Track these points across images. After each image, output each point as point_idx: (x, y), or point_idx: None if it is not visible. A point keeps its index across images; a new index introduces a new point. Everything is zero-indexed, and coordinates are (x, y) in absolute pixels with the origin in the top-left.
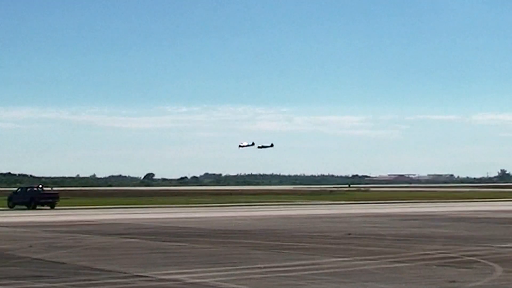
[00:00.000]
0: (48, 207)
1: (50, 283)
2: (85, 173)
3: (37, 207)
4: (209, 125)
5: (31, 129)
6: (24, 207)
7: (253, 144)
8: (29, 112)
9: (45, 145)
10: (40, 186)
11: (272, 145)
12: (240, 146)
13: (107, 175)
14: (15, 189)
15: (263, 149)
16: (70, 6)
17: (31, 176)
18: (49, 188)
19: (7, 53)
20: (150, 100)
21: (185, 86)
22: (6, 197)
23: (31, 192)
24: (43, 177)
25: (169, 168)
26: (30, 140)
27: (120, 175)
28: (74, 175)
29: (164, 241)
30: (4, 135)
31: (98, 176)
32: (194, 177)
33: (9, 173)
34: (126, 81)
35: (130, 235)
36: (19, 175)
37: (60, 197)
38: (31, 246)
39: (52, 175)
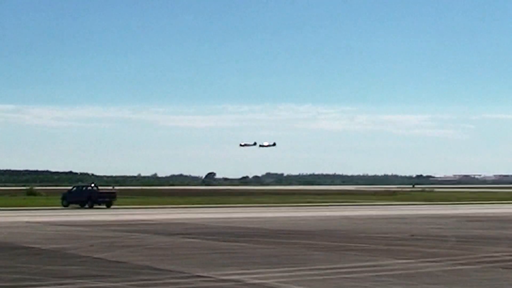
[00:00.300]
0: (105, 206)
1: (111, 282)
2: (146, 172)
3: (94, 206)
4: (271, 124)
5: (93, 128)
6: (78, 206)
7: (255, 144)
8: (91, 111)
9: (107, 144)
10: (93, 184)
11: (274, 144)
12: (241, 145)
13: (168, 174)
14: (70, 188)
15: (264, 147)
16: (133, 4)
17: (92, 175)
18: (111, 187)
19: (70, 52)
20: (211, 98)
21: (247, 84)
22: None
23: (88, 191)
24: (104, 176)
25: (230, 167)
26: (92, 138)
27: (181, 174)
28: (136, 174)
29: (225, 241)
30: (66, 133)
31: (159, 175)
32: (256, 176)
33: (71, 171)
34: (188, 80)
35: (191, 235)
36: (80, 174)
37: (120, 196)
38: (92, 246)
39: (114, 174)
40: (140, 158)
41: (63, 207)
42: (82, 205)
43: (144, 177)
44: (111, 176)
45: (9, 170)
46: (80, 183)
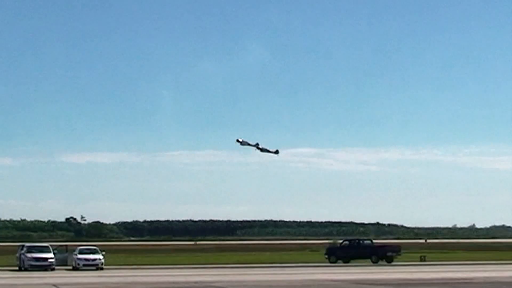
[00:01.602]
0: (385, 262)
1: None
2: (463, 222)
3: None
4: None
5: (400, 173)
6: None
7: (256, 144)
8: (399, 153)
9: (417, 190)
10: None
11: (277, 152)
12: (237, 141)
13: (488, 225)
14: (339, 241)
15: (265, 152)
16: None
17: (402, 226)
18: (423, 241)
19: (378, 90)
20: None
21: None
22: (324, 250)
23: (371, 246)
24: (415, 228)
25: None
26: (400, 185)
27: (503, 225)
28: (450, 226)
29: None
30: (370, 179)
31: (478, 226)
32: None
33: (378, 223)
34: (503, 115)
35: None
36: (388, 225)
37: (431, 251)
38: None
39: (425, 226)
40: (455, 207)
41: (331, 263)
42: (345, 261)
43: (461, 228)
44: (422, 228)
45: (310, 222)
46: (390, 236)
